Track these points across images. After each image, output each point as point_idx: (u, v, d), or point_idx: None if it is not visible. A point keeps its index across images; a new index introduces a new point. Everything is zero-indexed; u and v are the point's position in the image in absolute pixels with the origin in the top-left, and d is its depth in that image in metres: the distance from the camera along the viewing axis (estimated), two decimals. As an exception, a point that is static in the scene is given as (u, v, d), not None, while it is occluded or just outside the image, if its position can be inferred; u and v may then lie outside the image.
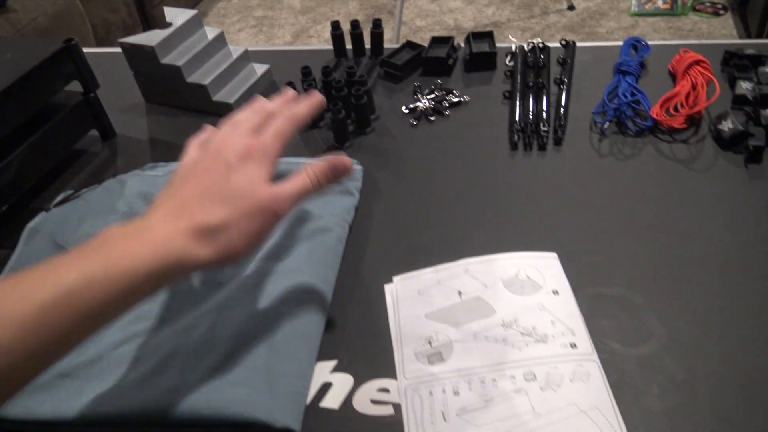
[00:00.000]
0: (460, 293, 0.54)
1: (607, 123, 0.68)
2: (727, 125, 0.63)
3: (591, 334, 0.49)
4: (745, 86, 0.68)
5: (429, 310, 0.53)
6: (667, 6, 2.43)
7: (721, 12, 2.38)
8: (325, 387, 0.49)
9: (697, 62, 0.70)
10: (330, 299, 0.55)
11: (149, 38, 0.78)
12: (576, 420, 0.44)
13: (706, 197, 0.59)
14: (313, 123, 0.77)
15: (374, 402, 0.48)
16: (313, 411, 0.48)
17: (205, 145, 0.49)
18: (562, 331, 0.50)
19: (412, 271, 0.57)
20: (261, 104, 0.53)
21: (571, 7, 2.53)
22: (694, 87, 0.68)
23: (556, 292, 0.53)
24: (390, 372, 0.49)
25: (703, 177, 0.61)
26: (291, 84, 0.75)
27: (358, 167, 0.67)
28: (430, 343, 0.50)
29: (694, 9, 2.41)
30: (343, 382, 0.49)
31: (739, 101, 0.68)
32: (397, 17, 2.31)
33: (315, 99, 0.54)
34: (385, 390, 0.48)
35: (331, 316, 0.54)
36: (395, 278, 0.57)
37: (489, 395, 0.46)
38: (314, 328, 0.51)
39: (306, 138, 0.75)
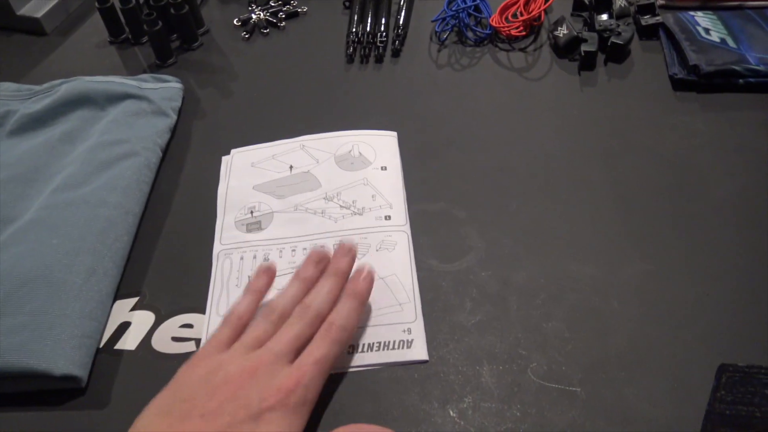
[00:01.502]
0: (291, 167, 0.53)
1: (447, 32, 0.65)
2: (562, 31, 0.61)
3: (413, 250, 0.46)
4: (584, -9, 0.66)
5: (258, 182, 0.52)
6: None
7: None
8: (123, 327, 0.44)
9: (540, -33, 0.67)
10: (134, 231, 0.49)
11: None
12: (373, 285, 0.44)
13: (539, 106, 0.57)
14: (134, 38, 0.68)
15: (175, 339, 0.43)
16: (107, 354, 0.43)
17: (217, 368, 0.35)
18: (380, 204, 0.49)
19: (250, 145, 0.56)
20: (310, 274, 0.41)
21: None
22: (534, -7, 0.65)
23: (384, 168, 0.52)
24: (198, 305, 0.45)
25: (538, 85, 0.59)
26: (101, -7, 0.66)
27: (177, 85, 0.60)
28: (252, 212, 0.50)
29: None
30: (143, 321, 0.45)
31: (578, 7, 0.66)
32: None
33: (367, 273, 0.42)
34: (188, 325, 0.44)
35: (136, 249, 0.49)
36: (233, 150, 0.56)
37: (297, 262, 0.46)
38: (110, 264, 0.46)
39: (124, 56, 0.67)
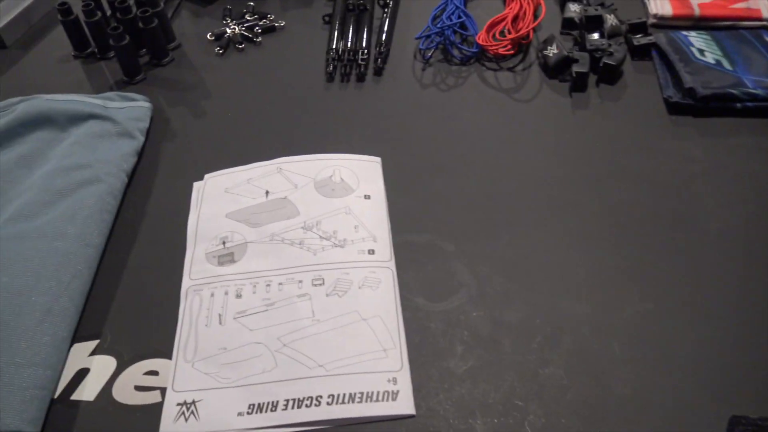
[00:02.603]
0: (267, 192, 0.49)
1: (432, 50, 0.62)
2: (552, 50, 0.59)
3: (398, 288, 0.43)
4: (573, 9, 0.63)
5: (232, 209, 0.49)
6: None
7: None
8: (81, 374, 0.40)
9: (528, -17, 0.65)
10: (95, 266, 0.45)
11: None
12: (354, 327, 0.41)
13: (529, 128, 0.55)
14: (101, 52, 0.64)
15: (138, 388, 0.39)
16: (62, 405, 0.39)
17: None
18: (363, 236, 0.46)
19: (224, 169, 0.52)
20: None
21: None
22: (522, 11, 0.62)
23: (367, 197, 0.49)
24: (163, 349, 0.41)
25: (528, 107, 0.57)
26: (64, 5, 0.62)
27: (145, 104, 0.56)
28: (224, 243, 0.46)
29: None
30: (103, 367, 0.41)
31: (567, 25, 0.63)
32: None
33: None
34: (153, 372, 0.40)
35: (97, 286, 0.45)
36: (206, 176, 0.52)
37: (272, 299, 0.43)
38: (67, 303, 0.42)
39: (90, 71, 0.63)
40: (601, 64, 0.57)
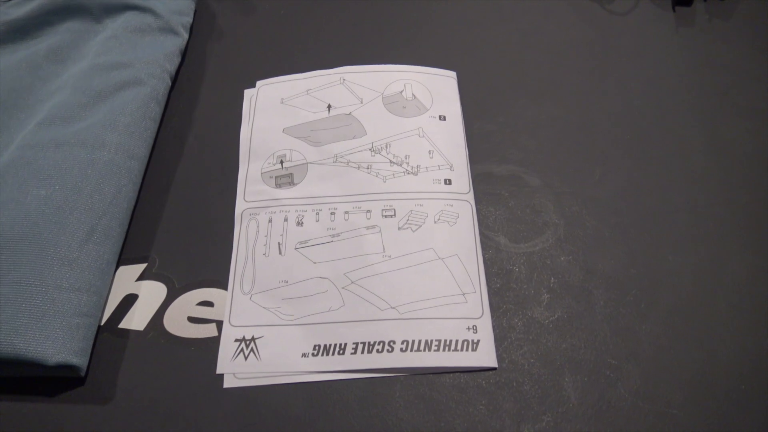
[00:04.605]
0: (329, 107, 0.44)
1: (514, -53, 0.54)
2: (656, -45, 0.51)
3: (476, 224, 0.39)
4: None
5: (289, 124, 0.43)
6: None
7: None
8: (129, 300, 0.37)
9: None
10: (139, 181, 0.41)
11: None
12: (430, 267, 0.37)
13: (625, 47, 0.48)
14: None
15: (192, 320, 0.36)
16: (110, 334, 0.36)
17: None
18: (438, 163, 0.41)
19: (280, 76, 0.46)
20: None
21: None
22: None
23: (443, 118, 0.43)
24: (218, 277, 0.37)
25: (623, 21, 0.49)
26: None
27: (188, -5, 0.50)
28: (281, 162, 0.41)
29: None
30: (152, 293, 0.37)
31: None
32: None
33: None
34: (208, 303, 0.37)
35: (142, 204, 0.40)
36: (259, 82, 0.46)
37: (337, 229, 0.39)
38: (112, 221, 0.38)
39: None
40: (713, -26, 0.49)
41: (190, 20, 0.49)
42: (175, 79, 0.46)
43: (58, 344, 0.33)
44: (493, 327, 0.35)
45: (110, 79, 0.43)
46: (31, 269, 0.34)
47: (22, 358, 0.32)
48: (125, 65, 0.44)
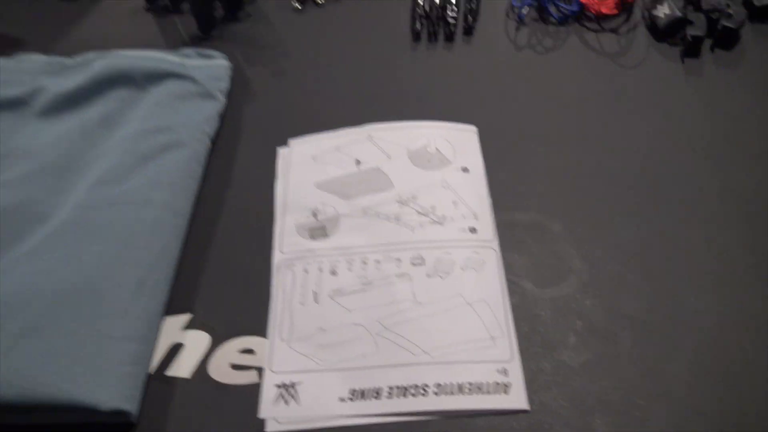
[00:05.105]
0: (358, 162, 0.46)
1: (526, 8, 0.57)
2: (663, 11, 0.53)
3: (502, 270, 0.40)
4: (684, -36, 0.57)
5: (321, 179, 0.46)
6: None
7: None
8: (175, 349, 0.39)
9: (632, -66, 0.59)
10: (183, 236, 0.43)
11: None
12: (459, 312, 0.39)
13: (637, 97, 0.50)
14: (174, 5, 0.61)
15: (235, 367, 0.38)
16: (159, 381, 0.38)
17: None
18: (463, 213, 0.43)
19: (310, 135, 0.49)
20: None
21: None
22: (627, -36, 0.57)
23: (466, 170, 0.46)
24: (257, 326, 0.39)
25: (635, 73, 0.52)
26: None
27: (224, 63, 0.54)
28: (315, 215, 0.44)
29: None
30: (197, 342, 0.39)
31: (676, -18, 0.58)
32: None
33: None
34: (249, 351, 0.39)
35: (185, 258, 0.43)
36: (291, 141, 0.49)
37: (369, 278, 0.41)
38: (159, 275, 0.40)
39: (162, 25, 0.60)
40: (719, 27, 0.52)
41: (227, 85, 0.53)
42: (214, 140, 0.49)
43: (112, 391, 0.35)
44: (523, 370, 0.36)
45: (155, 142, 0.46)
46: (86, 320, 0.37)
47: (78, 404, 0.34)
48: (168, 129, 0.47)
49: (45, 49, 0.57)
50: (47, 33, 0.60)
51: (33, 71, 0.54)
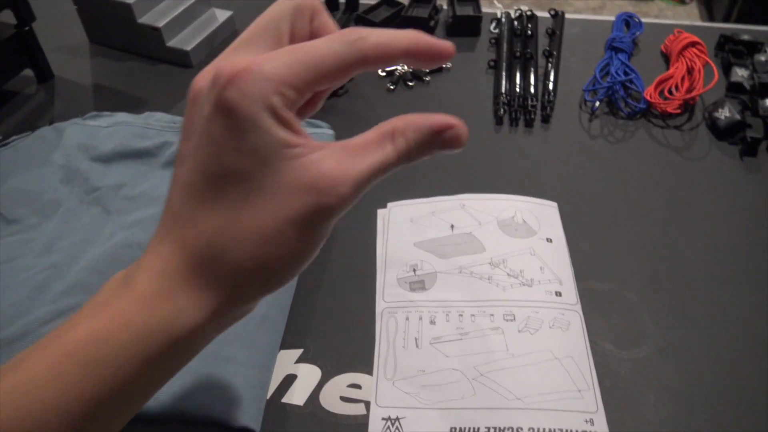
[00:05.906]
0: (452, 227, 0.52)
1: (598, 102, 0.64)
2: (723, 113, 0.60)
3: (585, 331, 0.45)
4: (740, 73, 0.64)
5: (419, 239, 0.51)
6: (634, -12, 2.42)
7: (687, 0, 2.38)
8: (289, 380, 0.44)
9: (693, 44, 0.66)
10: (295, 281, 0.49)
11: (95, -32, 0.68)
12: (548, 365, 0.43)
13: (701, 188, 0.56)
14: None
15: (344, 399, 0.42)
16: (275, 407, 0.42)
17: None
18: (549, 278, 0.48)
19: (407, 200, 0.55)
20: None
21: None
22: (689, 70, 0.64)
23: (549, 240, 0.51)
24: (363, 366, 0.44)
25: (698, 166, 0.58)
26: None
27: (329, 132, 0.61)
28: (414, 270, 0.49)
29: (660, -7, 2.41)
30: (309, 375, 0.44)
31: (733, 88, 0.64)
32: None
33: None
34: (356, 386, 0.43)
35: (297, 300, 0.48)
36: (390, 204, 0.55)
37: (465, 329, 0.45)
38: (277, 312, 0.46)
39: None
40: (775, 131, 0.58)
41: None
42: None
43: (242, 410, 0.40)
44: (607, 422, 0.40)
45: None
46: (221, 346, 0.42)
47: (215, 419, 0.39)
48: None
49: (167, 109, 0.65)
50: (166, 96, 0.69)
51: (159, 127, 0.61)
